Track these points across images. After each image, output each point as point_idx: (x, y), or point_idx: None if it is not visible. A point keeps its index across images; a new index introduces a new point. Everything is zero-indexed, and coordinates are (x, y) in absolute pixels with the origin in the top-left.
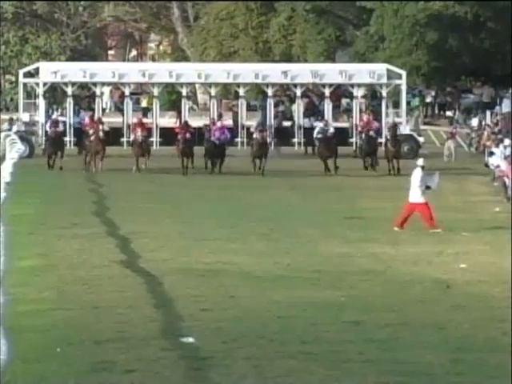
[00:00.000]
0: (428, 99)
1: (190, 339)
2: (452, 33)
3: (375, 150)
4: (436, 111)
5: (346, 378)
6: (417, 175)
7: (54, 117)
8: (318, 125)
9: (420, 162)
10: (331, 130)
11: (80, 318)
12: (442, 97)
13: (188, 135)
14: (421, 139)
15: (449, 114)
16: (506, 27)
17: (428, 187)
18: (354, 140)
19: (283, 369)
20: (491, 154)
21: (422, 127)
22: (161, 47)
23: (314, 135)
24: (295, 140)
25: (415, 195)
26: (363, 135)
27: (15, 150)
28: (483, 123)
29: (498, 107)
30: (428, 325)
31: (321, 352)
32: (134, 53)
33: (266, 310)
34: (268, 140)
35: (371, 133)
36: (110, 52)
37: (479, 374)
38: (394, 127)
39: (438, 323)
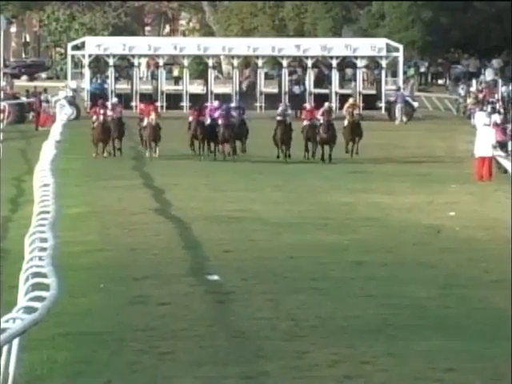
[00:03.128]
0: (422, 69)
1: (215, 276)
2: (443, 11)
3: (315, 137)
4: (429, 80)
5: (350, 310)
6: (485, 132)
7: (114, 101)
8: (280, 106)
9: (486, 120)
10: (289, 112)
11: (120, 258)
12: (435, 67)
13: (200, 118)
14: (415, 104)
15: (440, 82)
16: (490, 6)
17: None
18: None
19: (295, 302)
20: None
21: (417, 93)
22: (190, 24)
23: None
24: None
25: (484, 150)
26: (306, 122)
27: (64, 112)
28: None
29: (482, 76)
30: (421, 264)
31: (327, 288)
32: (167, 29)
33: (280, 251)
34: (234, 121)
35: (314, 120)
36: (147, 28)
37: (465, 306)
38: (329, 111)
39: (429, 263)
